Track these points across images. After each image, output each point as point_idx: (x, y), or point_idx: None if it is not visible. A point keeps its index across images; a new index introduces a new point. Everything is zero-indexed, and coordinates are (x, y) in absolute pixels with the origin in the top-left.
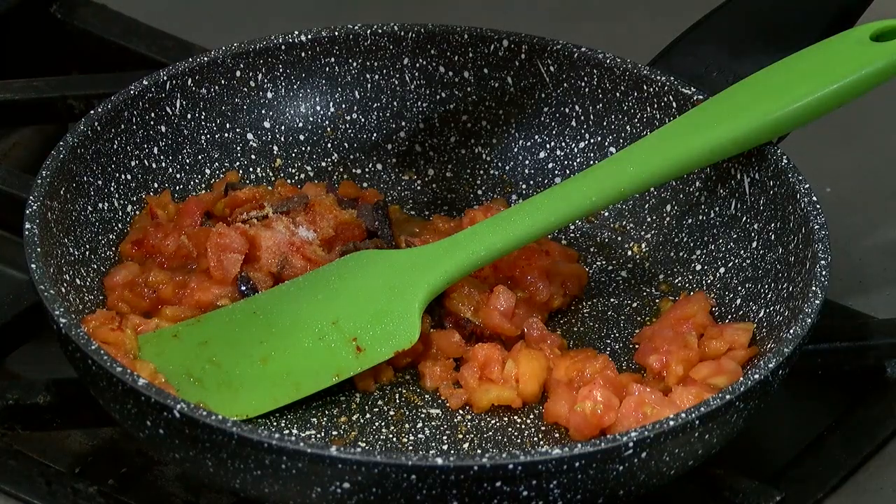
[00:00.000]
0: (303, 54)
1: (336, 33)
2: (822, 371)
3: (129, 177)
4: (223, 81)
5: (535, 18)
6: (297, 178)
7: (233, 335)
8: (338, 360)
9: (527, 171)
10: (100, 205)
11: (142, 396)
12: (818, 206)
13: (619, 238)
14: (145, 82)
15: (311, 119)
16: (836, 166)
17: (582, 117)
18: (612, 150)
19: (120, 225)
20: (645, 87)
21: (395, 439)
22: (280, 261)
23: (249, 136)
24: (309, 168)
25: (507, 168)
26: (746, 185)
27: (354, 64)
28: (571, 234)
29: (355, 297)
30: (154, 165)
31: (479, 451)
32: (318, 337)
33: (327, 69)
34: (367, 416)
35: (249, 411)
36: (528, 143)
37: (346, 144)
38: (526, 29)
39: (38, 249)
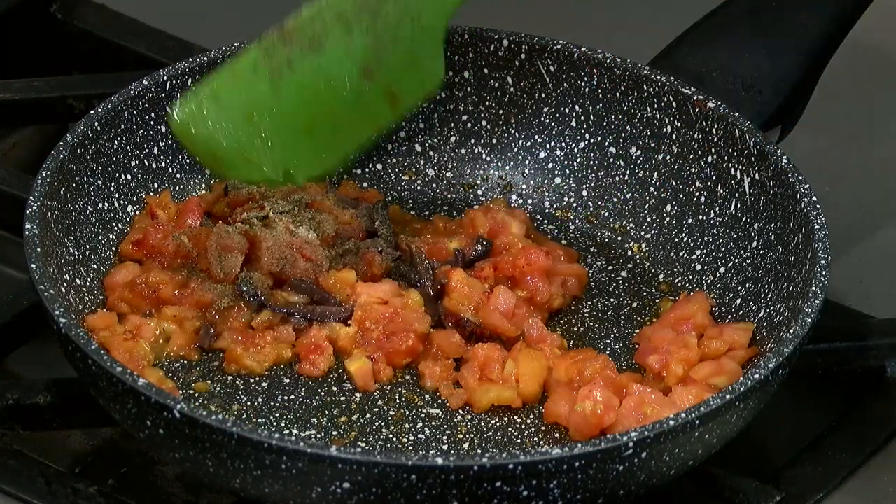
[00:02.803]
0: None
1: None
2: (822, 371)
3: (129, 177)
4: None
5: (535, 18)
6: None
7: (274, 102)
8: (377, 114)
9: (527, 171)
10: (100, 205)
11: (142, 396)
12: (818, 206)
13: (619, 238)
14: (145, 82)
15: None
16: (836, 166)
17: (582, 117)
18: (612, 149)
19: (120, 225)
20: (645, 87)
21: (395, 439)
22: (280, 261)
23: None
24: None
25: (507, 168)
26: (746, 185)
27: None
28: (571, 234)
29: (382, 38)
30: (154, 165)
31: (479, 451)
32: (356, 95)
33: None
34: (367, 416)
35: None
36: (528, 143)
37: None
38: (526, 29)
39: (38, 249)
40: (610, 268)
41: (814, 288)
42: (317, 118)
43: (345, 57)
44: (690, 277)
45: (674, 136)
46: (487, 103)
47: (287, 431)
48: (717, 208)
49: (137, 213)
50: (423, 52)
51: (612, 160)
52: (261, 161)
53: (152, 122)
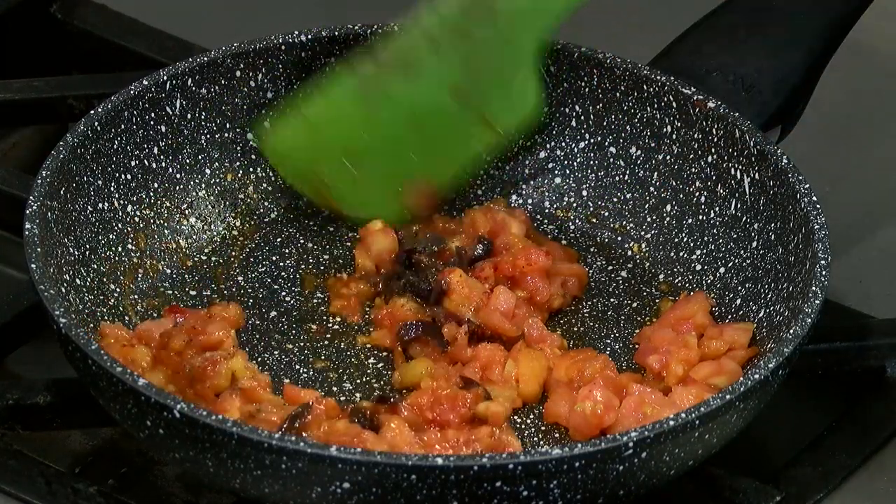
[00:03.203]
0: (303, 54)
1: (336, 33)
2: (822, 371)
3: (129, 177)
4: (223, 81)
5: None
6: None
7: (368, 129)
8: (471, 142)
9: (527, 171)
10: (100, 205)
11: (142, 396)
12: (818, 206)
13: (619, 238)
14: (145, 82)
15: None
16: (836, 166)
17: (582, 117)
18: (612, 149)
19: (120, 225)
20: (645, 87)
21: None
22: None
23: (249, 136)
24: None
25: (507, 168)
26: (746, 185)
27: None
28: (571, 234)
29: (473, 59)
30: (154, 165)
31: (479, 451)
32: (450, 120)
33: (327, 69)
34: None
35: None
36: (528, 143)
37: None
38: None
39: (38, 249)
40: (610, 268)
41: (814, 288)
42: (410, 145)
43: (436, 78)
44: (690, 277)
45: (674, 136)
46: None
47: None
48: (717, 208)
49: (137, 213)
50: (516, 76)
51: (612, 160)
52: (347, 190)
53: (152, 122)
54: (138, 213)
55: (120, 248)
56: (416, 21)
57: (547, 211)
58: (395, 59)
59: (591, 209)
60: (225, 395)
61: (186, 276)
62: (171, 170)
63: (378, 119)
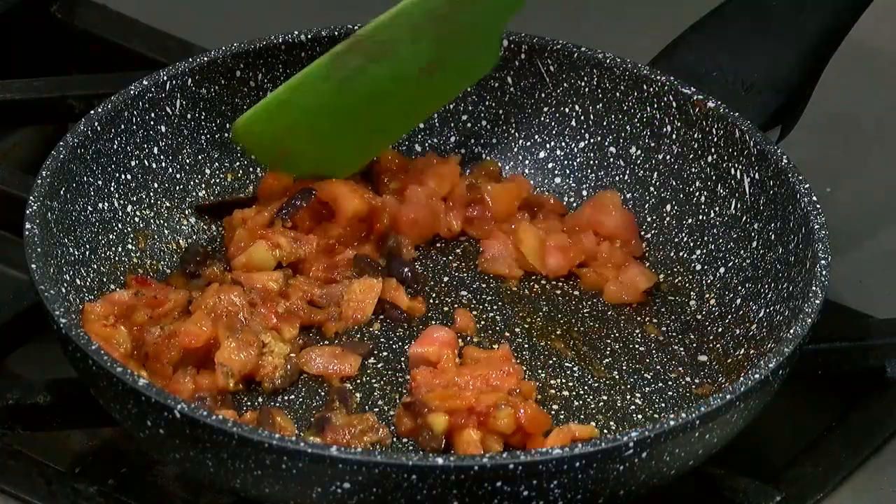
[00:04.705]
0: (303, 54)
1: (336, 33)
2: (822, 371)
3: (129, 177)
4: (223, 81)
5: (535, 18)
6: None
7: (337, 104)
8: (428, 103)
9: (527, 171)
10: (100, 205)
11: (142, 396)
12: (818, 206)
13: None
14: (145, 82)
15: None
16: (836, 166)
17: (582, 117)
18: (612, 149)
19: (120, 225)
20: (645, 87)
21: (395, 439)
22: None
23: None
24: None
25: (507, 168)
26: (746, 185)
27: None
28: None
29: (448, 43)
30: (154, 165)
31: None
32: (413, 90)
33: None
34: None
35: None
36: (528, 143)
37: None
38: (526, 29)
39: (38, 249)
40: None
41: (814, 288)
42: (374, 115)
43: (410, 61)
44: (690, 277)
45: (674, 136)
46: (487, 103)
47: None
48: (717, 208)
49: (137, 213)
50: (482, 49)
51: (612, 160)
52: (316, 156)
53: (152, 122)
54: (138, 213)
55: (120, 248)
56: (401, 8)
57: None
58: (373, 42)
59: None
60: (178, 373)
61: None
62: (171, 170)
63: (346, 93)
